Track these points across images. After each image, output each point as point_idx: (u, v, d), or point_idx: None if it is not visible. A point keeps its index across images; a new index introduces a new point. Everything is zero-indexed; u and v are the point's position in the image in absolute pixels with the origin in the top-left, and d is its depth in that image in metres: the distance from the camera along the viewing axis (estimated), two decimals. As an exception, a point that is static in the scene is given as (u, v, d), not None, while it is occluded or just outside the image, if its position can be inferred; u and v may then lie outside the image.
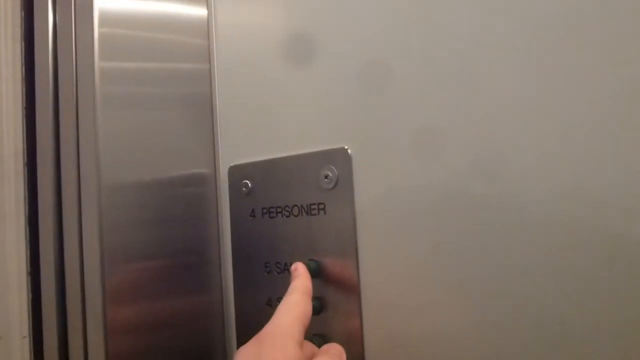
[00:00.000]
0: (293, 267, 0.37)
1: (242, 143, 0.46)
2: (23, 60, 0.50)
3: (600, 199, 0.27)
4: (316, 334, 0.38)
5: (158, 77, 0.45)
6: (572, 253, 0.28)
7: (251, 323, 0.44)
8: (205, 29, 0.50)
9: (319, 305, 0.39)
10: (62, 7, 0.45)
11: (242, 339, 0.41)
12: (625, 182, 0.26)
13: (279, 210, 0.42)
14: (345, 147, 0.38)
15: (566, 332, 0.28)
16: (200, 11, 0.50)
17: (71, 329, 0.44)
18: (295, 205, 0.41)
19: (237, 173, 0.46)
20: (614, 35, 0.27)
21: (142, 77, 0.44)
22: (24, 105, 0.49)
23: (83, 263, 0.42)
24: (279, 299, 0.33)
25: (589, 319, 0.27)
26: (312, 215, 0.40)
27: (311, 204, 0.40)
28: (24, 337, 0.47)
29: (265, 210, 0.43)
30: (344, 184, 0.38)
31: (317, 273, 0.38)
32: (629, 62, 0.26)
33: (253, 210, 0.44)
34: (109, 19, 0.42)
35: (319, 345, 0.35)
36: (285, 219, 0.42)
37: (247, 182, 0.45)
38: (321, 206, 0.39)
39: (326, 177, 0.39)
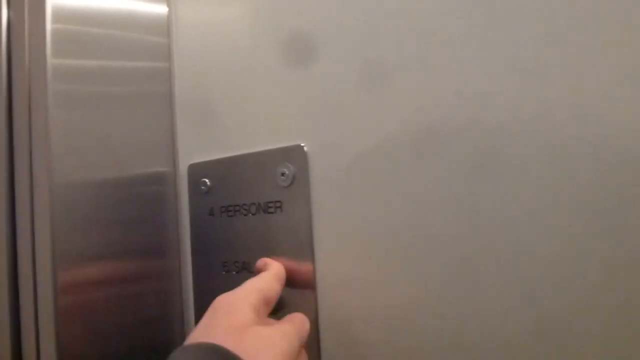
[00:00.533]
0: (261, 262, 0.38)
1: (202, 141, 0.46)
2: (-24, 56, 0.48)
3: (599, 197, 0.26)
4: (272, 333, 0.38)
5: (115, 75, 0.45)
6: (553, 253, 0.28)
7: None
8: (165, 26, 0.49)
9: (275, 304, 0.38)
10: (15, 2, 0.44)
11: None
12: (626, 176, 0.25)
13: (237, 208, 0.42)
14: (302, 145, 0.38)
15: (530, 318, 0.28)
16: (161, 9, 0.49)
17: (24, 331, 0.43)
18: (253, 204, 0.41)
19: (196, 171, 0.46)
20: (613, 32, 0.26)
21: (98, 75, 0.44)
22: (-23, 102, 0.48)
23: (35, 264, 0.41)
24: None
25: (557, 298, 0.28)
26: (269, 213, 0.40)
27: (268, 202, 0.40)
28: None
29: (224, 209, 0.43)
30: (300, 181, 0.38)
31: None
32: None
33: (212, 209, 0.44)
34: (62, 15, 0.42)
35: None
36: (243, 218, 0.41)
37: (205, 181, 0.44)
38: (278, 204, 0.39)
39: (283, 174, 0.38)
